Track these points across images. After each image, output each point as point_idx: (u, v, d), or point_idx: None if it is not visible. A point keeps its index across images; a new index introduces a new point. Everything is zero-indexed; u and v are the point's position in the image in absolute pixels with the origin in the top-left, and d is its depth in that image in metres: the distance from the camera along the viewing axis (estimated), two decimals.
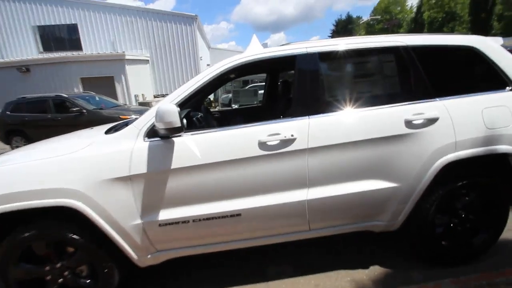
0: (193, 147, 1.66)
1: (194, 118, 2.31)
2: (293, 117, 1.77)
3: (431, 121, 1.79)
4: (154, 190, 1.65)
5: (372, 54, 1.94)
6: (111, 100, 8.84)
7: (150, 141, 1.67)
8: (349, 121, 1.77)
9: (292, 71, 1.98)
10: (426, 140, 1.78)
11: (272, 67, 3.08)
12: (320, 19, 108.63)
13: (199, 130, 1.74)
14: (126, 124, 1.82)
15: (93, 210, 1.59)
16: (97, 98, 8.25)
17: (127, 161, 1.61)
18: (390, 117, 1.79)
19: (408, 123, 1.77)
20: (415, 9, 39.38)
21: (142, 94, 15.19)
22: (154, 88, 17.07)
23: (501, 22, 26.16)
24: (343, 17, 48.54)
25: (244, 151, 1.68)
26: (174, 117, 1.51)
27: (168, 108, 1.51)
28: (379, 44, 1.90)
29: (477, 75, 2.01)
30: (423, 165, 1.79)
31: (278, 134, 1.70)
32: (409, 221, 1.92)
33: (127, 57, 14.55)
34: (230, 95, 15.97)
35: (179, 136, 1.67)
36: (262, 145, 1.69)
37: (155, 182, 1.64)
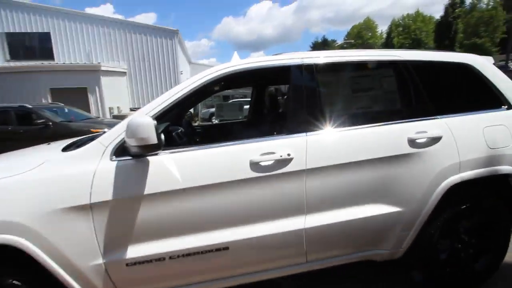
0: (172, 168, 1.39)
1: (174, 134, 2.04)
2: (289, 133, 1.57)
3: (435, 140, 1.67)
4: (122, 222, 1.35)
5: (370, 68, 1.82)
6: (82, 112, 8.27)
7: (119, 160, 1.39)
8: (351, 139, 1.60)
9: (280, 85, 1.81)
10: (430, 161, 1.65)
11: (260, 79, 2.89)
12: (297, 41, 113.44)
13: (180, 148, 1.48)
14: (92, 139, 1.52)
15: (40, 248, 1.25)
16: (66, 110, 7.67)
17: (87, 186, 1.31)
18: (394, 135, 1.65)
19: (412, 142, 1.64)
20: (385, 35, 42.41)
21: (118, 107, 14.55)
22: (131, 101, 16.45)
23: (462, 48, 28.56)
24: (319, 39, 51.09)
25: (233, 173, 1.44)
26: (150, 132, 1.24)
27: (143, 121, 1.25)
28: (377, 57, 1.79)
29: (472, 93, 1.95)
30: (428, 187, 1.65)
31: (272, 153, 1.48)
32: (411, 248, 1.75)
33: (102, 68, 13.98)
34: (211, 109, 15.69)
35: (156, 154, 1.40)
36: (255, 165, 1.46)
37: (123, 211, 1.35)
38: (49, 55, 15.86)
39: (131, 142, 1.25)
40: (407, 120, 1.71)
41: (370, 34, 44.43)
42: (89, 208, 1.31)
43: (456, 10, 30.19)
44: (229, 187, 1.43)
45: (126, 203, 1.34)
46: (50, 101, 12.74)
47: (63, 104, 8.34)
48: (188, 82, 1.55)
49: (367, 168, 1.59)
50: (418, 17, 38.96)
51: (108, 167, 1.35)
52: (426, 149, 1.65)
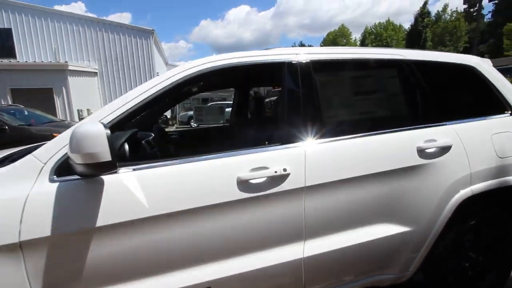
0: (136, 190, 1.07)
1: (143, 142, 1.70)
2: (283, 143, 1.30)
3: (444, 149, 1.48)
4: (66, 265, 1.01)
5: (373, 68, 1.60)
6: (45, 115, 7.51)
7: (62, 181, 1.05)
8: (356, 149, 1.37)
9: (270, 85, 1.54)
10: (440, 173, 1.47)
11: (245, 79, 2.59)
12: (275, 45, 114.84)
13: (147, 163, 1.16)
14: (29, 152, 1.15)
15: None
16: (25, 112, 6.92)
17: (15, 218, 0.96)
18: (402, 144, 1.44)
19: (421, 152, 1.44)
20: (358, 42, 44.14)
21: (88, 109, 13.60)
22: (103, 103, 15.46)
23: None
24: (297, 44, 52.12)
25: (217, 195, 1.15)
26: (100, 146, 0.92)
27: (91, 130, 0.92)
28: (380, 56, 1.58)
29: (476, 97, 1.81)
30: (438, 203, 1.46)
31: (265, 168, 1.21)
32: (418, 270, 1.56)
33: (70, 67, 12.99)
34: (190, 112, 15.10)
35: (114, 172, 1.08)
36: (243, 184, 1.18)
37: (68, 251, 1.01)
38: (10, 53, 14.53)
39: (76, 159, 0.92)
40: (414, 127, 1.52)
41: (344, 41, 45.79)
42: (19, 248, 0.96)
43: (425, 20, 31.91)
44: (211, 213, 1.14)
45: (71, 239, 1.00)
46: (10, 102, 11.61)
47: (23, 106, 7.56)
48: (157, 81, 1.24)
49: (374, 183, 1.36)
50: (389, 26, 40.84)
51: (45, 191, 1.01)
52: (435, 160, 1.46)
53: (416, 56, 1.64)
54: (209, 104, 14.69)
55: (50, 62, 13.96)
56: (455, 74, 1.74)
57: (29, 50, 14.88)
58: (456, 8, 36.71)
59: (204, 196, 1.13)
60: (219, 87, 3.00)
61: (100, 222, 1.01)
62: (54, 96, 12.73)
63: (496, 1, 26.61)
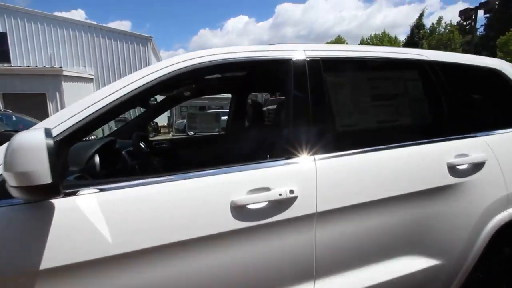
0: (97, 219, 0.82)
1: (123, 153, 1.46)
2: (288, 157, 1.07)
3: (477, 166, 1.26)
4: None
5: (393, 69, 1.39)
6: (34, 121, 7.22)
7: None
8: (377, 165, 1.14)
9: (271, 89, 1.31)
10: (473, 194, 1.24)
11: (242, 80, 2.31)
12: None
13: (118, 181, 0.91)
14: None
15: None
16: (13, 118, 6.65)
17: None
18: (430, 159, 1.21)
19: (452, 169, 1.21)
20: None
21: None
22: None
23: None
24: None
25: (206, 225, 0.91)
26: (37, 162, 0.67)
27: (27, 140, 0.68)
28: (400, 56, 1.36)
29: (503, 104, 1.60)
30: (472, 230, 1.23)
31: (266, 189, 0.96)
32: None
33: (65, 73, 12.77)
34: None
35: (73, 194, 0.83)
36: (239, 210, 0.94)
37: None
38: (4, 58, 14.27)
39: (10, 180, 0.67)
40: (441, 139, 1.29)
41: None
42: None
43: (421, 31, 32.40)
44: (197, 248, 0.89)
45: (6, 285, 0.74)
46: (1, 107, 11.29)
47: (11, 111, 7.29)
48: (134, 77, 0.99)
49: (399, 207, 1.13)
50: (385, 37, 41.34)
51: None
52: (467, 178, 1.24)
53: (441, 58, 1.43)
54: (203, 111, 14.54)
55: (44, 67, 13.73)
56: (481, 78, 1.54)
57: (24, 55, 14.68)
58: (450, 21, 37.43)
59: (188, 227, 0.88)
60: (213, 90, 2.70)
61: (45, 263, 0.75)
62: (48, 101, 12.44)
63: (488, 15, 27.19)
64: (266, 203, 0.95)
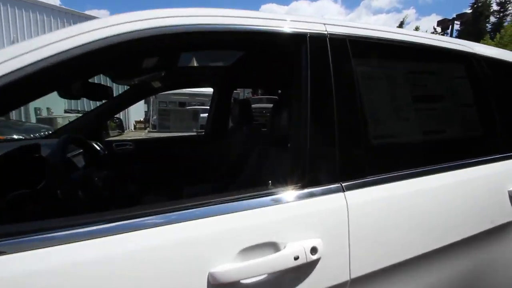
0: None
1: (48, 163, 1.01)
2: (302, 186, 0.67)
3: None
4: None
5: (439, 61, 1.03)
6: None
7: None
8: (434, 196, 0.77)
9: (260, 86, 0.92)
10: None
11: (227, 69, 1.82)
12: None
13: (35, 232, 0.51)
14: None
15: None
16: None
17: None
18: (488, 187, 0.88)
19: None
20: None
21: (48, 108, 12.23)
22: (67, 102, 14.02)
23: None
24: None
25: None
26: None
27: None
28: (444, 44, 1.01)
29: None
30: None
31: (271, 244, 0.57)
32: None
33: None
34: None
35: None
36: None
37: None
38: None
39: None
40: (494, 157, 0.96)
41: None
42: None
43: None
44: None
45: None
46: None
47: None
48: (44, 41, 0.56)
49: (459, 256, 0.77)
50: None
51: None
52: None
53: (485, 51, 1.11)
54: (177, 108, 12.62)
55: None
56: None
57: None
58: (426, 31, 39.01)
59: None
60: (185, 80, 2.02)
61: None
62: None
63: (459, 28, 28.57)
64: (271, 272, 0.55)
